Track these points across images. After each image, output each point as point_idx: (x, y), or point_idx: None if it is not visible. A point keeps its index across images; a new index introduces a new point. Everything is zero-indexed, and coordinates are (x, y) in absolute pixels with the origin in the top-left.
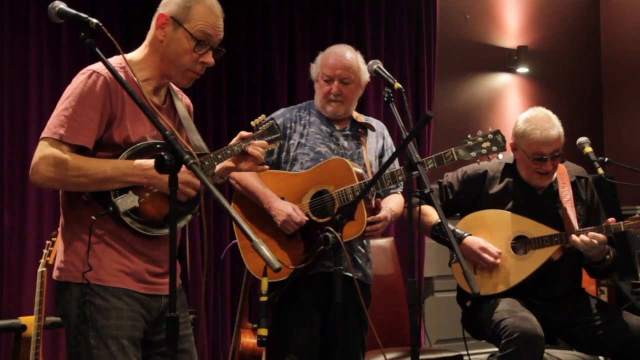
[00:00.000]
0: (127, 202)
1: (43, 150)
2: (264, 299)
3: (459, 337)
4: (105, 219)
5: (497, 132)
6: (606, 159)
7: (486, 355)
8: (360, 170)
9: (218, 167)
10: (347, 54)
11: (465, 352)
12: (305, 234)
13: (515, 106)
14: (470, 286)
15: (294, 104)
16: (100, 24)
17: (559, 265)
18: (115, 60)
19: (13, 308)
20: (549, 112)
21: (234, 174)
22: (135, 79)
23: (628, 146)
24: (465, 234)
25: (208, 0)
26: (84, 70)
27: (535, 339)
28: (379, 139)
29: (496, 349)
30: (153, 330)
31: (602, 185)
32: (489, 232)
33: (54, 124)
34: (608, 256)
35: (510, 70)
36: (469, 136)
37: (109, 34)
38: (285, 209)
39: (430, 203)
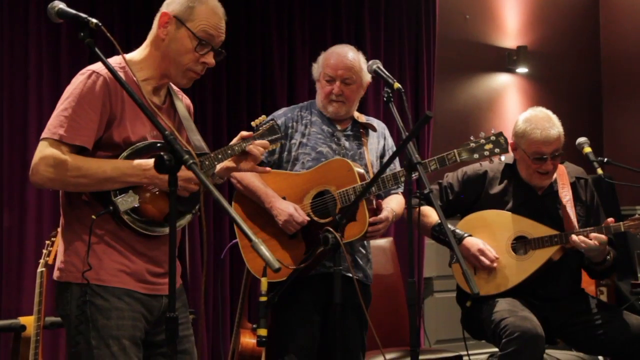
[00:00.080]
0: (127, 201)
1: (43, 150)
2: (263, 299)
3: (458, 338)
4: (106, 219)
5: (500, 134)
6: (605, 159)
7: (486, 356)
8: (362, 171)
9: (218, 167)
10: (349, 54)
11: (465, 353)
12: (306, 235)
13: (514, 106)
14: (469, 286)
15: (294, 104)
16: (100, 24)
17: (559, 265)
18: (115, 60)
19: (12, 308)
20: (549, 112)
21: (235, 174)
22: (135, 78)
23: (627, 146)
24: (465, 235)
25: (211, 1)
26: (83, 71)
27: (535, 338)
28: (380, 140)
29: (496, 349)
30: (154, 331)
31: (602, 185)
32: (489, 233)
33: (53, 125)
34: (608, 257)
35: (510, 70)
36: (471, 138)
37: (108, 34)
38: (287, 209)
39: (430, 203)
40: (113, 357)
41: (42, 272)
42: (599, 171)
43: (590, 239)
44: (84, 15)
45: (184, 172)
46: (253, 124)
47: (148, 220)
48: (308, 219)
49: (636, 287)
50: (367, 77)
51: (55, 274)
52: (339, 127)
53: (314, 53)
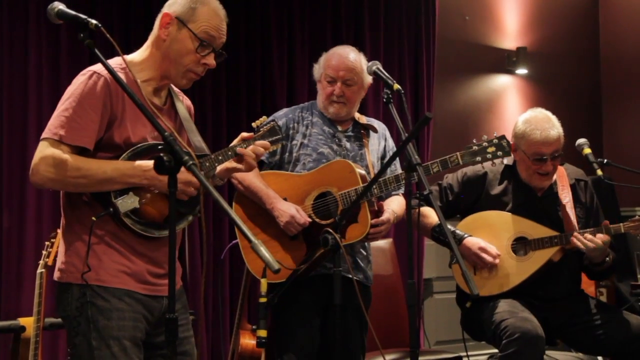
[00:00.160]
0: (127, 203)
1: (43, 150)
2: (263, 300)
3: (458, 339)
4: (106, 220)
5: (503, 137)
6: (605, 160)
7: (485, 357)
8: (364, 172)
9: (219, 168)
10: (350, 55)
11: (464, 354)
12: (307, 236)
13: (514, 107)
14: (469, 287)
15: (293, 104)
16: (100, 25)
17: (559, 266)
18: (115, 61)
19: (12, 309)
20: (549, 113)
21: (236, 174)
22: (135, 79)
23: (627, 147)
24: (465, 235)
25: (213, 3)
26: (84, 71)
27: (536, 339)
28: (380, 141)
29: (495, 350)
30: (154, 332)
31: (601, 186)
32: (489, 233)
33: (54, 125)
34: (608, 258)
35: (509, 71)
36: (474, 141)
37: (108, 35)
38: (289, 210)
39: (430, 204)
40: (114, 357)
41: (41, 273)
42: (599, 172)
43: (597, 239)
44: (83, 16)
45: (183, 175)
46: (254, 124)
47: (148, 222)
48: (310, 220)
49: (636, 288)
50: (368, 78)
51: (56, 274)
52: (340, 128)
53: (314, 54)
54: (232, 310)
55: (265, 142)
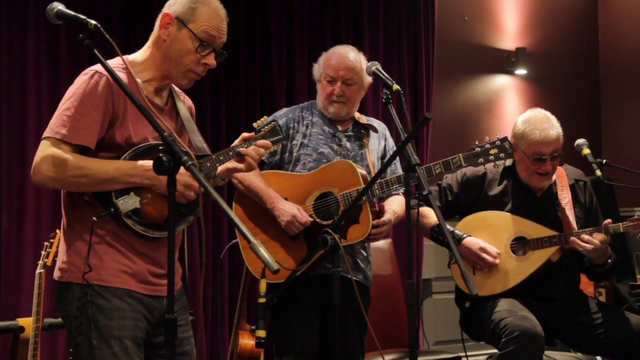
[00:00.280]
0: (128, 203)
1: (45, 150)
2: (262, 300)
3: (457, 339)
4: (107, 220)
5: (505, 139)
6: (604, 160)
7: (484, 357)
8: (365, 173)
9: (220, 168)
10: (350, 54)
11: (463, 354)
12: (308, 236)
13: (513, 108)
14: (468, 287)
15: (293, 104)
16: (99, 25)
17: (558, 267)
18: (116, 61)
19: (11, 309)
20: (548, 113)
21: (237, 174)
22: (136, 80)
23: (626, 148)
24: (465, 235)
25: (213, 2)
26: (86, 71)
27: (535, 337)
28: (380, 140)
29: (494, 350)
30: (154, 332)
31: (600, 186)
32: (489, 233)
33: (55, 124)
34: (609, 260)
35: (509, 71)
36: (476, 142)
37: (107, 35)
38: (290, 210)
39: (429, 205)
40: (115, 357)
41: (40, 273)
42: (598, 172)
43: (594, 239)
44: (82, 17)
45: (184, 178)
46: (255, 125)
47: (149, 222)
48: (311, 219)
49: (635, 289)
50: (368, 78)
51: (56, 274)
52: (340, 128)
53: (313, 54)
54: (231, 310)
55: (266, 142)
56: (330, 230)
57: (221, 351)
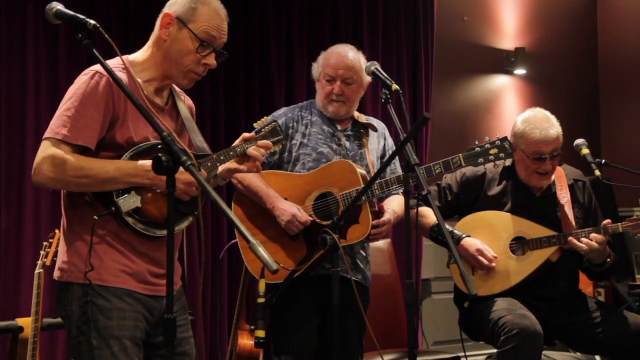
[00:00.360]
0: (129, 202)
1: (45, 150)
2: (261, 300)
3: (456, 339)
4: (107, 220)
5: (505, 139)
6: (603, 160)
7: (483, 357)
8: (365, 173)
9: (220, 168)
10: (349, 53)
11: (462, 354)
12: (307, 236)
13: (512, 108)
14: (467, 287)
15: (292, 104)
16: (98, 25)
17: (557, 266)
18: (116, 61)
19: (10, 309)
20: (547, 112)
21: (236, 174)
22: (136, 79)
23: (625, 148)
24: (464, 235)
25: (214, 2)
26: (86, 71)
27: (534, 335)
28: (380, 140)
29: (494, 350)
30: (154, 332)
31: (599, 186)
32: (488, 233)
33: (56, 124)
34: (608, 259)
35: (508, 71)
36: (476, 142)
37: (106, 35)
38: (290, 209)
39: (428, 205)
40: (114, 357)
41: (39, 273)
42: (597, 172)
43: (591, 240)
44: (81, 17)
45: (185, 175)
46: (255, 125)
47: (149, 221)
48: (311, 219)
49: (634, 288)
50: (367, 77)
51: (56, 273)
52: (339, 127)
53: (312, 54)
54: (231, 310)
55: (267, 142)
56: (329, 230)
57: (220, 351)
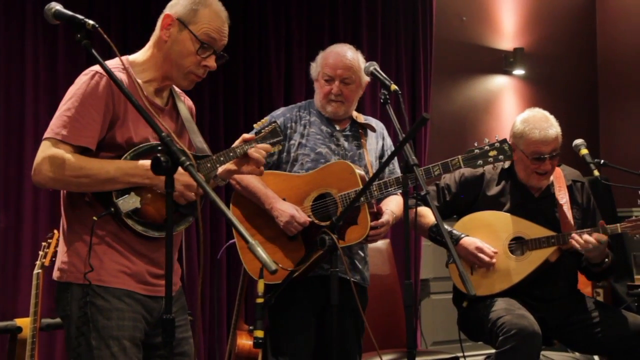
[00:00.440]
0: (128, 203)
1: (45, 150)
2: (260, 300)
3: (455, 339)
4: (107, 220)
5: (504, 141)
6: (602, 161)
7: (482, 357)
8: (364, 173)
9: (220, 169)
10: (348, 53)
11: (461, 354)
12: (306, 237)
13: (511, 108)
14: (466, 288)
15: (291, 104)
16: (97, 25)
17: (556, 267)
18: (116, 62)
19: (8, 310)
20: (546, 113)
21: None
22: (136, 80)
23: (624, 148)
24: (462, 235)
25: (215, 5)
26: (87, 71)
27: (532, 335)
28: (378, 140)
29: (492, 351)
30: (153, 332)
31: (598, 187)
32: (487, 233)
33: (56, 125)
34: (607, 259)
35: (507, 72)
36: (475, 144)
37: (105, 36)
38: (288, 210)
39: (427, 205)
40: (113, 357)
41: (38, 273)
42: (596, 173)
43: (593, 239)
44: (80, 17)
45: (184, 177)
46: (255, 125)
47: (148, 222)
48: (310, 220)
49: (632, 289)
50: (366, 77)
51: (56, 274)
52: (337, 127)
53: (311, 54)
54: (229, 310)
55: (266, 146)
56: (328, 231)
57: (218, 351)
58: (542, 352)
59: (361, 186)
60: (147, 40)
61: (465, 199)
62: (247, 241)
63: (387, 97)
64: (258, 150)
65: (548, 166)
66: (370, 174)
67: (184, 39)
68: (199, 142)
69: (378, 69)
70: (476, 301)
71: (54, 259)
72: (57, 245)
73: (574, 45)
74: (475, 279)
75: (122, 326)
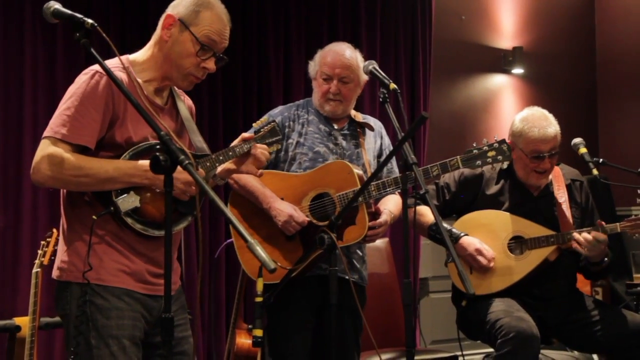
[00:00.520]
0: (128, 202)
1: (45, 149)
2: (259, 299)
3: (453, 338)
4: (106, 219)
5: (503, 142)
6: (601, 159)
7: (481, 356)
8: (362, 173)
9: (219, 168)
10: (346, 52)
11: (460, 353)
12: (304, 237)
13: (510, 107)
14: (465, 287)
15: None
16: (96, 24)
17: (555, 266)
18: (116, 61)
19: (7, 309)
20: (545, 111)
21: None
22: (136, 79)
23: (622, 147)
24: (462, 234)
25: (217, 7)
26: (87, 70)
27: (531, 338)
28: (377, 139)
29: (491, 350)
30: (152, 332)
31: (597, 186)
32: (486, 232)
33: (56, 124)
34: (606, 258)
35: (506, 71)
36: (474, 144)
37: (104, 35)
38: (287, 209)
39: (426, 204)
40: (112, 356)
41: (37, 272)
42: (595, 172)
43: (592, 237)
44: (79, 16)
45: (184, 175)
46: (255, 125)
47: (148, 221)
48: (308, 219)
49: (631, 288)
50: (365, 75)
51: (55, 273)
52: (335, 126)
53: (310, 54)
54: (228, 309)
55: (265, 147)
56: (327, 230)
57: (217, 350)
58: (542, 351)
59: (359, 186)
60: (146, 39)
61: (465, 199)
62: (246, 240)
63: (386, 96)
64: (263, 152)
65: (547, 165)
66: (369, 173)
67: (184, 40)
68: (199, 141)
69: (377, 67)
70: (475, 300)
71: (52, 258)
72: (56, 244)
73: (573, 44)
74: (475, 278)
75: (122, 325)
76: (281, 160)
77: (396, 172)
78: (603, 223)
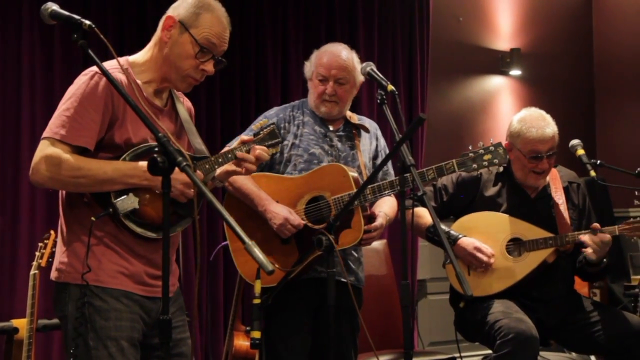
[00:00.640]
0: (127, 203)
1: (44, 150)
2: (257, 301)
3: (451, 340)
4: (105, 221)
5: (499, 145)
6: (598, 161)
7: (479, 358)
8: (357, 176)
9: (218, 170)
10: (342, 53)
11: (458, 355)
12: (299, 240)
13: (507, 108)
14: (463, 288)
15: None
16: (93, 26)
17: (553, 268)
18: (115, 62)
19: (5, 311)
20: (543, 112)
21: None
22: (135, 80)
23: (620, 149)
24: (460, 235)
25: (218, 10)
26: (86, 71)
27: (530, 340)
28: (372, 140)
29: (489, 351)
30: (150, 333)
31: (595, 187)
32: (484, 234)
33: (55, 124)
34: (605, 259)
35: (503, 72)
36: (470, 148)
37: (101, 36)
38: (282, 212)
39: (424, 205)
40: (111, 358)
41: (34, 274)
42: (592, 173)
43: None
44: (77, 17)
45: (183, 176)
46: (254, 127)
47: (146, 223)
48: (304, 222)
49: (628, 289)
50: (361, 77)
51: (53, 274)
52: (331, 128)
53: (308, 54)
54: (226, 311)
55: (264, 149)
56: (325, 232)
57: (215, 352)
58: (540, 353)
59: (355, 189)
60: (144, 40)
61: (464, 199)
62: (244, 242)
63: (384, 97)
64: (262, 154)
65: (545, 165)
66: (364, 175)
67: (184, 42)
68: (198, 143)
69: (375, 69)
70: (473, 302)
71: (50, 259)
72: (53, 245)
73: (571, 45)
74: (473, 279)
75: (120, 327)
76: (276, 161)
77: (392, 174)
78: (598, 226)
